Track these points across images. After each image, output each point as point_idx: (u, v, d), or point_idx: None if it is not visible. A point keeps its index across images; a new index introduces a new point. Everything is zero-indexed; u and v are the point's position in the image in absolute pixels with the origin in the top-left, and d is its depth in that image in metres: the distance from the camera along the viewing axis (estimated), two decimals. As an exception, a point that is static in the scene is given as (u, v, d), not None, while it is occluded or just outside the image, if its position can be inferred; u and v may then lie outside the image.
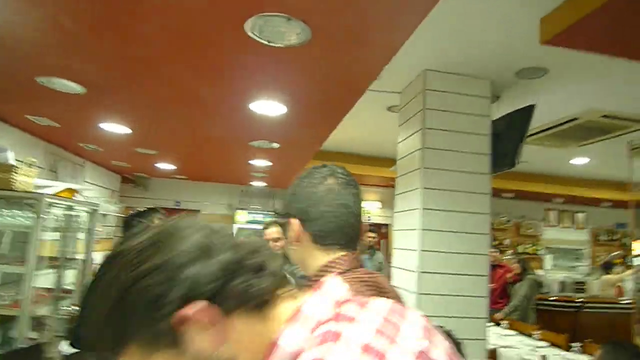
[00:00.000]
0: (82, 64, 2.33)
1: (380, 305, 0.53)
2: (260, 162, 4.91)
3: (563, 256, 8.42)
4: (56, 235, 4.31)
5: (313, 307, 0.52)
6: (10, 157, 3.39)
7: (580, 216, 8.55)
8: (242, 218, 7.41)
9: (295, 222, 0.98)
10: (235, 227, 7.37)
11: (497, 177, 3.35)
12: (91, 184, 5.75)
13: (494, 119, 3.07)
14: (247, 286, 0.51)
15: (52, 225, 3.81)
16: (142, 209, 2.80)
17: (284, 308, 0.53)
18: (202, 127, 3.55)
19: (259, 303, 0.52)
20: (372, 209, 8.24)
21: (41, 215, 3.36)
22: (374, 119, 3.92)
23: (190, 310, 0.48)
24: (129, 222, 2.74)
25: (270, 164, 4.90)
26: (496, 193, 5.05)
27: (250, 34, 1.81)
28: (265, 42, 1.86)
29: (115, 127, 3.68)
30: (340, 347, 0.45)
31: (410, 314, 0.53)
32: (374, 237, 6.14)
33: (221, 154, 4.69)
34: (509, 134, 3.16)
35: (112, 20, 1.85)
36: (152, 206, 2.84)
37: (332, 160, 5.50)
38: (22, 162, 3.40)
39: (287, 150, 4.13)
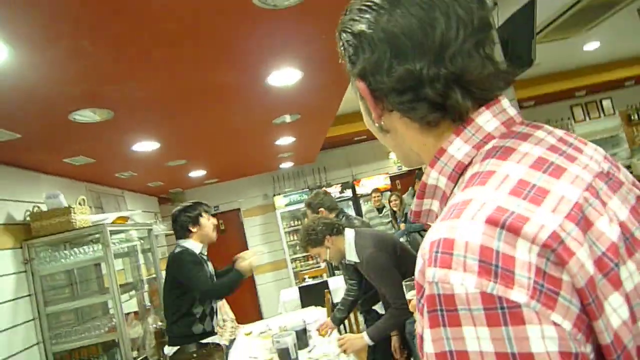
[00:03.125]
0: (106, 87, 2.45)
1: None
2: (285, 140, 5.01)
3: (601, 147, 8.29)
4: (119, 262, 4.56)
5: (485, 122, 0.56)
6: (63, 201, 3.59)
7: (606, 103, 8.39)
8: (281, 203, 7.57)
9: None
10: (278, 213, 7.54)
11: (516, 88, 3.35)
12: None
13: (497, 27, 3.07)
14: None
15: (116, 253, 4.01)
16: (188, 203, 2.97)
17: (451, 129, 0.57)
18: (226, 118, 3.66)
19: (424, 121, 0.58)
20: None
21: (110, 245, 3.56)
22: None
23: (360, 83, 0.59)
24: (177, 217, 2.91)
25: (294, 139, 5.00)
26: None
27: (256, 2, 1.88)
28: (272, 7, 1.94)
29: (145, 145, 3.83)
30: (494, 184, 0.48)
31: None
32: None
33: (247, 141, 4.80)
34: (517, 36, 3.16)
35: (128, 35, 1.95)
36: (196, 200, 3.00)
37: (351, 122, 5.58)
38: (73, 204, 3.60)
39: (308, 119, 4.21)
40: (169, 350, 2.78)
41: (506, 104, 0.58)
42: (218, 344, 2.95)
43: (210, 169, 6.00)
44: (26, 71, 2.04)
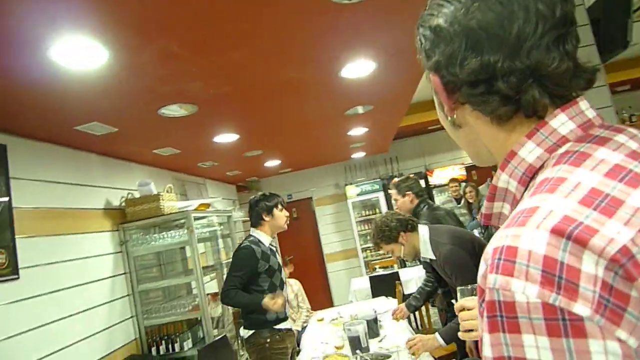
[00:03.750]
0: (191, 84, 2.63)
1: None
2: (358, 131, 5.03)
3: None
4: (202, 246, 4.88)
5: (560, 125, 0.54)
6: (153, 189, 3.91)
7: None
8: (353, 192, 7.62)
9: None
10: (349, 202, 7.60)
11: (608, 72, 3.09)
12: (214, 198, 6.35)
13: (588, 6, 2.84)
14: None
15: (199, 237, 4.29)
16: (266, 193, 3.12)
17: (524, 125, 0.56)
18: (300, 111, 3.76)
19: (495, 114, 0.57)
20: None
21: (194, 229, 3.83)
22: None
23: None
24: (255, 204, 3.06)
25: (367, 129, 5.00)
26: (609, 89, 4.60)
27: (331, -2, 1.92)
28: (347, 1, 1.96)
29: (225, 137, 4.05)
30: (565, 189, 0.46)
31: None
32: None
33: (320, 132, 4.89)
34: (610, 14, 2.90)
35: (209, 36, 2.08)
36: (272, 193, 3.13)
37: (423, 110, 5.43)
38: (161, 191, 3.90)
39: (381, 110, 4.19)
40: (244, 333, 2.95)
41: (585, 106, 0.56)
42: (290, 329, 3.09)
43: (284, 158, 6.18)
44: (122, 72, 2.26)
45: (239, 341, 4.16)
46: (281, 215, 3.08)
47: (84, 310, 3.14)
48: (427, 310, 4.14)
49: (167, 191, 3.97)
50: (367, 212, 7.73)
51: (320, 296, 7.62)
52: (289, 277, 4.80)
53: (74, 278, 3.11)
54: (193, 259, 3.88)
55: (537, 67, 0.53)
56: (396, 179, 3.43)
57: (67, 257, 3.08)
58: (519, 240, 0.44)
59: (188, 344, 3.75)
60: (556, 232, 0.43)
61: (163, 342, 3.67)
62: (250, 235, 3.05)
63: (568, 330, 0.40)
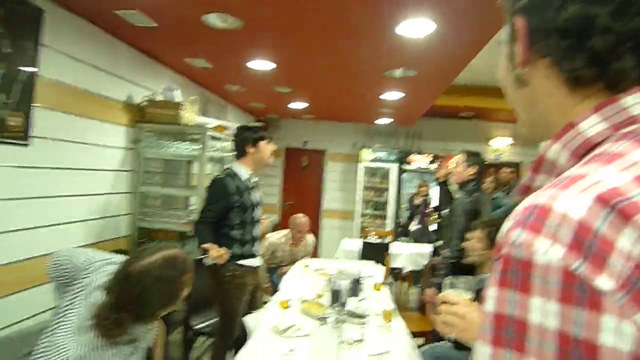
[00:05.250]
0: (243, -3, 2.52)
1: None
2: (392, 95, 4.90)
3: None
4: (209, 167, 4.88)
5: (634, 104, 0.49)
6: (177, 96, 3.85)
7: None
8: (367, 157, 7.55)
9: None
10: (361, 166, 7.55)
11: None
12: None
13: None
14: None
15: (209, 157, 4.26)
16: (254, 124, 3.02)
17: (598, 96, 0.51)
18: (342, 57, 3.63)
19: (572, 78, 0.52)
20: (502, 146, 7.80)
21: (206, 147, 3.80)
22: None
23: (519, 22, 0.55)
24: (240, 132, 2.95)
25: (403, 95, 4.86)
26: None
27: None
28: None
29: (261, 64, 3.94)
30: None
31: None
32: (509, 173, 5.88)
33: (353, 87, 4.77)
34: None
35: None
36: (260, 125, 3.00)
37: (461, 94, 5.26)
38: (184, 101, 3.85)
39: (423, 79, 4.05)
40: (207, 260, 2.78)
41: None
42: (254, 267, 2.99)
43: (310, 103, 6.07)
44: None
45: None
46: (266, 149, 2.94)
47: (86, 195, 3.18)
48: (409, 288, 4.18)
49: (190, 103, 3.92)
50: (376, 180, 7.69)
51: (308, 247, 7.72)
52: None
53: (83, 161, 3.13)
54: (199, 176, 3.88)
55: None
56: (469, 150, 3.40)
57: (80, 140, 3.08)
58: (556, 201, 0.41)
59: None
60: (601, 200, 0.40)
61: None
62: (227, 168, 2.95)
63: (584, 301, 0.37)
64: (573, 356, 0.37)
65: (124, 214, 3.72)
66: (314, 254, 5.21)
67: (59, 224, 2.92)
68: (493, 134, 7.82)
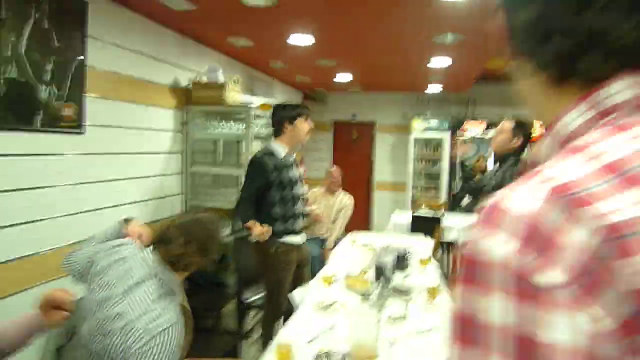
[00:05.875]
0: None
1: None
2: (440, 62, 4.68)
3: None
4: (257, 144, 4.96)
5: (616, 93, 0.48)
6: (220, 77, 3.90)
7: None
8: (419, 126, 7.33)
9: None
10: (412, 137, 7.35)
11: None
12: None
13: None
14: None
15: (256, 135, 4.32)
16: (292, 102, 3.03)
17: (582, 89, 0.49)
18: (386, 25, 3.49)
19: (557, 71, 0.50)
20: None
21: (251, 126, 3.86)
22: None
23: None
24: (277, 110, 3.01)
25: (451, 61, 4.64)
26: None
27: None
28: None
29: (301, 39, 3.89)
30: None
31: None
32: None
33: (400, 55, 4.60)
34: None
35: None
36: (297, 103, 3.02)
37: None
38: (228, 81, 3.89)
39: (472, 44, 3.83)
40: (252, 238, 2.85)
41: None
42: (299, 245, 3.04)
43: (356, 75, 5.95)
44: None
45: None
46: (304, 127, 2.94)
47: (139, 177, 3.35)
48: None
49: (234, 82, 3.96)
50: (428, 151, 7.47)
51: (361, 220, 7.72)
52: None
53: (134, 145, 3.28)
54: (247, 155, 3.96)
55: (607, 31, 0.46)
56: (519, 117, 3.07)
57: (131, 125, 3.22)
58: (513, 196, 0.42)
59: (226, 231, 3.95)
60: (555, 192, 0.40)
61: (204, 223, 3.89)
62: (265, 147, 2.97)
63: (536, 295, 0.37)
64: (531, 353, 0.37)
65: (177, 194, 3.89)
66: (357, 224, 5.20)
67: (118, 205, 3.11)
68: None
